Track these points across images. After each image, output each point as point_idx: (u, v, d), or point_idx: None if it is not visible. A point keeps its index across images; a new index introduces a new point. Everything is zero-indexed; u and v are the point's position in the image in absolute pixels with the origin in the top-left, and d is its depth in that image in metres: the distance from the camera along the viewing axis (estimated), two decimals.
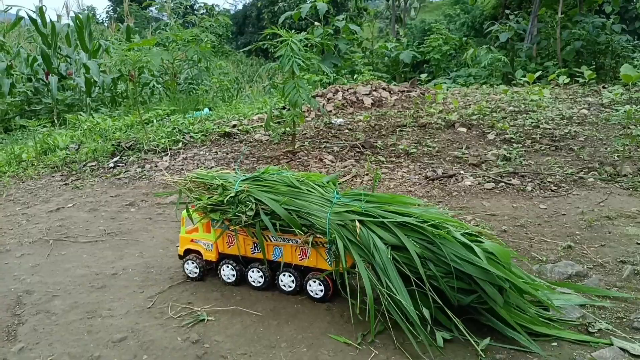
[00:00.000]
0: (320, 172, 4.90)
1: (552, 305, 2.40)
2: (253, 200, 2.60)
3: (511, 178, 4.52)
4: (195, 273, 2.89)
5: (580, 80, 8.96)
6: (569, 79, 9.01)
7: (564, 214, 3.72)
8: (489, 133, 5.90)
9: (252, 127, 6.71)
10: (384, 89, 8.46)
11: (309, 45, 9.98)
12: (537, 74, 8.97)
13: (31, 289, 2.86)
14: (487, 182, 4.45)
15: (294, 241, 2.62)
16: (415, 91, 8.61)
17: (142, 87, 10.78)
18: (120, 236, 3.69)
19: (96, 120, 7.46)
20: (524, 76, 9.29)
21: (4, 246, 3.43)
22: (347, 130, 6.35)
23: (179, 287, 2.83)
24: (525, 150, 5.28)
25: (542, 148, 5.30)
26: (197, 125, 6.83)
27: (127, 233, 3.74)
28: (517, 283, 2.34)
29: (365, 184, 4.56)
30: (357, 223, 2.39)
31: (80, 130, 7.11)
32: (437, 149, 5.46)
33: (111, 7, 34.46)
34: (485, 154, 5.23)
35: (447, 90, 9.52)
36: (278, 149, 5.68)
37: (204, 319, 2.49)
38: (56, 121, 9.25)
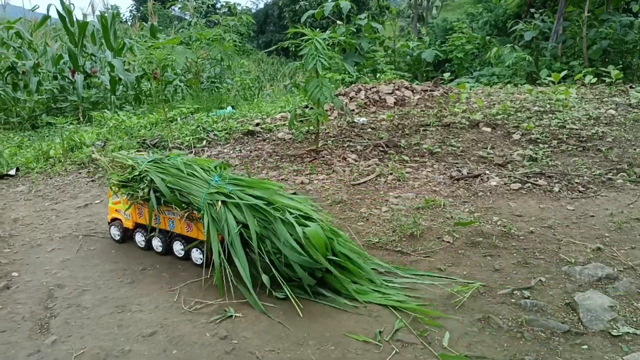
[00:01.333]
0: (344, 171, 4.90)
1: (375, 279, 2.80)
2: (149, 179, 3.03)
3: (538, 179, 4.47)
4: (117, 235, 3.44)
5: (607, 80, 8.81)
6: (595, 78, 8.85)
7: (593, 216, 3.66)
8: (514, 133, 5.83)
9: (275, 126, 6.73)
10: (406, 88, 8.43)
11: (332, 44, 9.99)
12: (563, 73, 8.84)
13: (62, 283, 2.91)
14: (513, 182, 4.41)
15: (179, 215, 3.03)
16: (438, 90, 8.55)
17: (165, 85, 10.90)
18: None
19: (121, 117, 7.55)
20: (549, 76, 9.16)
21: (35, 241, 3.50)
22: (370, 129, 6.34)
23: (207, 283, 2.86)
24: (551, 151, 5.21)
25: (569, 149, 5.23)
26: (220, 123, 6.88)
27: None
28: (345, 263, 2.75)
29: (390, 183, 4.55)
30: (219, 203, 2.77)
31: (106, 127, 7.20)
32: (461, 148, 5.42)
33: (134, 6, 34.89)
34: (510, 154, 5.17)
35: (471, 89, 9.43)
36: (301, 148, 5.69)
37: (231, 315, 2.51)
38: (81, 118, 9.40)
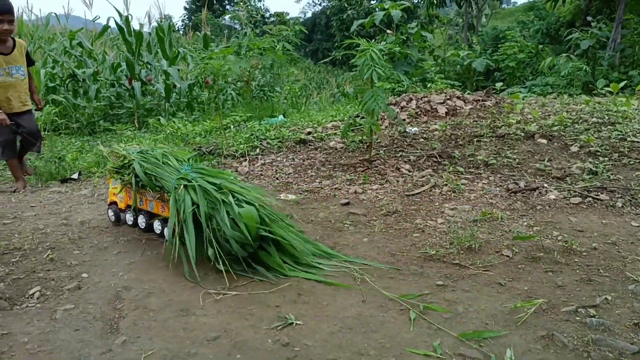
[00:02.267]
0: (398, 181, 4.90)
1: (308, 260, 3.25)
2: (133, 167, 3.56)
3: (599, 193, 4.35)
4: (113, 217, 4.00)
5: None
6: None
7: None
8: (571, 145, 5.69)
9: (326, 135, 6.79)
10: (458, 97, 8.35)
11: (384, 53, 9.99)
12: (622, 83, 8.57)
13: (129, 285, 3.02)
14: (573, 196, 4.30)
15: (152, 197, 3.57)
16: (491, 100, 8.43)
17: (216, 93, 11.17)
18: None
19: (177, 125, 7.77)
20: (607, 86, 8.89)
21: (102, 243, 3.65)
22: (422, 139, 6.31)
23: (267, 289, 2.91)
24: (612, 164, 5.05)
25: (631, 162, 5.06)
26: (273, 131, 6.99)
27: None
28: (282, 242, 3.19)
29: (445, 195, 4.52)
30: (182, 186, 3.22)
31: (163, 134, 7.43)
32: (517, 160, 5.33)
33: (186, 16, 35.89)
34: (569, 167, 5.05)
35: (523, 99, 9.25)
36: (354, 157, 5.72)
37: (292, 323, 2.55)
38: (136, 125, 9.72)
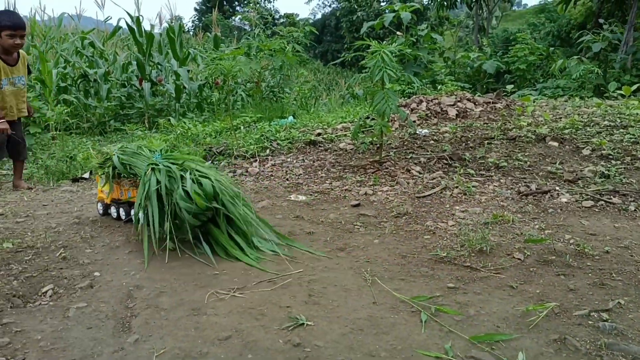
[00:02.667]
0: (408, 183, 4.90)
1: (250, 240, 3.53)
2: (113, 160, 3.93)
3: (611, 196, 4.32)
4: (100, 211, 4.30)
5: None
6: None
7: None
8: (583, 148, 5.66)
9: (336, 136, 6.79)
10: (468, 100, 8.31)
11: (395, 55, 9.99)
12: (635, 86, 8.50)
13: (140, 284, 3.03)
14: (585, 199, 4.27)
15: (127, 184, 3.96)
16: (501, 102, 8.40)
17: (226, 94, 11.20)
18: None
19: (187, 125, 7.80)
20: (619, 89, 8.83)
21: (114, 242, 3.67)
22: (432, 141, 6.29)
23: (278, 290, 2.92)
24: (624, 168, 5.02)
25: None
26: (283, 132, 7.00)
27: None
28: (237, 222, 3.47)
29: (455, 197, 4.51)
30: (149, 170, 3.51)
31: (173, 134, 7.46)
32: (528, 163, 5.30)
33: (196, 17, 36.06)
34: (581, 170, 5.02)
35: (534, 102, 9.21)
36: (364, 158, 5.72)
37: (303, 323, 2.55)
38: (147, 125, 9.77)
